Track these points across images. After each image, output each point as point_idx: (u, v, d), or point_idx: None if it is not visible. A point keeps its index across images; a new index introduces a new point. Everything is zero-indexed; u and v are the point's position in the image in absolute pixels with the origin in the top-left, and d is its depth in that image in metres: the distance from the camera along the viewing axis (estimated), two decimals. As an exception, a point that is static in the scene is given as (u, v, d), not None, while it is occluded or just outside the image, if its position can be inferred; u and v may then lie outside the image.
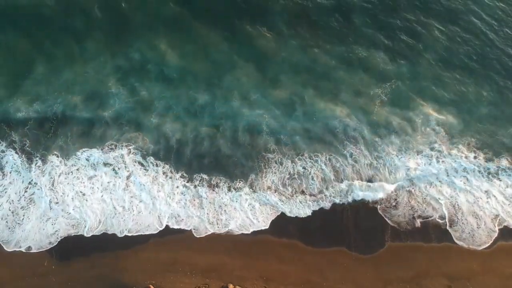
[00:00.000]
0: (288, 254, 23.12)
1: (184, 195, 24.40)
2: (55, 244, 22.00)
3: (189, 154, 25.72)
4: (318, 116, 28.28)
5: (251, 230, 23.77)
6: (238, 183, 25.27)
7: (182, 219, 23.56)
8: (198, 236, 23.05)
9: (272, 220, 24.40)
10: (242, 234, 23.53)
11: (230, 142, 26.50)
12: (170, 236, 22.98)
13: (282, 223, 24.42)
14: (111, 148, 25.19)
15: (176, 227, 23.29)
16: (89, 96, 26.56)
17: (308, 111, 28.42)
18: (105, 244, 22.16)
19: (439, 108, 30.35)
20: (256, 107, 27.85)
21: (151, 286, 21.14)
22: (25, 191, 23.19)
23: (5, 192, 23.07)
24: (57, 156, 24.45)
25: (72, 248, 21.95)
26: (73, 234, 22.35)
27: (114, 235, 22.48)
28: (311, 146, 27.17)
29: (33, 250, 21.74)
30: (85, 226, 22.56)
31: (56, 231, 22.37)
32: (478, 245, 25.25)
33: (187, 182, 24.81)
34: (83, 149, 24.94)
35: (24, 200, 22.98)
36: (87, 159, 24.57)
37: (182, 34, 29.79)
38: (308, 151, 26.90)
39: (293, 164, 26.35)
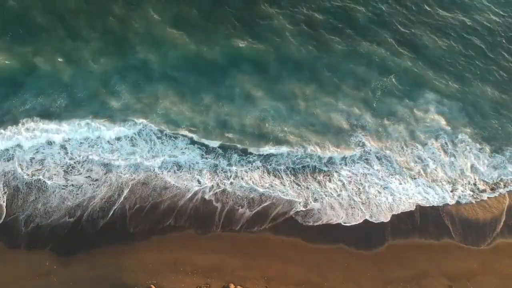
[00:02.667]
0: (289, 253, 23.19)
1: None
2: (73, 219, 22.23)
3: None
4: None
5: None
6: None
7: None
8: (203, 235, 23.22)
9: (273, 218, 24.43)
10: (243, 232, 23.59)
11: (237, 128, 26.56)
12: (171, 235, 22.96)
13: (283, 220, 24.51)
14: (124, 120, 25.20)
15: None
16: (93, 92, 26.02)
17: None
18: (107, 244, 22.13)
19: (441, 101, 30.24)
20: (259, 103, 27.52)
21: (152, 286, 21.24)
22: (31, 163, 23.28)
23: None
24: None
25: (74, 248, 21.90)
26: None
27: (115, 235, 22.47)
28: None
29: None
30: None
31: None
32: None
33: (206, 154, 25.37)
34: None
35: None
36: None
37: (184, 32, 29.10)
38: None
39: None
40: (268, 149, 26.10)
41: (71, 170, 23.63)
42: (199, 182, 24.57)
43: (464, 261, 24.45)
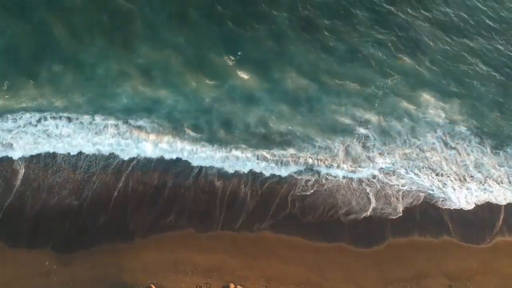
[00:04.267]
0: (289, 253, 23.20)
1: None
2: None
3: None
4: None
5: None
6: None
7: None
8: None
9: (273, 214, 24.44)
10: (243, 232, 23.53)
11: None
12: (171, 234, 22.89)
13: (283, 217, 24.51)
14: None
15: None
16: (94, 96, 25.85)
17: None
18: (107, 243, 22.09)
19: (442, 99, 30.14)
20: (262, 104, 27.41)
21: (152, 286, 21.25)
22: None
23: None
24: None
25: (74, 248, 21.87)
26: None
27: (115, 234, 22.40)
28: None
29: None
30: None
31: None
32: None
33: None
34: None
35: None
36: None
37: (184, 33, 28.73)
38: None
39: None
40: (275, 153, 26.26)
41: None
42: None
43: (464, 260, 24.50)
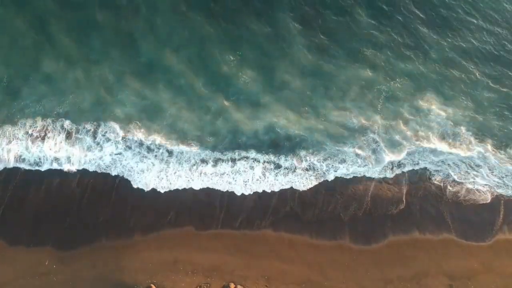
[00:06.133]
0: (289, 251, 23.16)
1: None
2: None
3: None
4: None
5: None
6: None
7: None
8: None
9: (272, 211, 24.44)
10: (243, 230, 23.49)
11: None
12: (171, 233, 22.83)
13: (283, 215, 24.47)
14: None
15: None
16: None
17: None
18: (106, 243, 22.07)
19: (444, 101, 29.98)
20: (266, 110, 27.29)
21: (152, 285, 21.22)
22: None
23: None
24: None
25: (73, 247, 21.84)
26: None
27: (115, 233, 22.35)
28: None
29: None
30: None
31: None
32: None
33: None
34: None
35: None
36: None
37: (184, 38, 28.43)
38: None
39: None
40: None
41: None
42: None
43: (465, 259, 24.45)
